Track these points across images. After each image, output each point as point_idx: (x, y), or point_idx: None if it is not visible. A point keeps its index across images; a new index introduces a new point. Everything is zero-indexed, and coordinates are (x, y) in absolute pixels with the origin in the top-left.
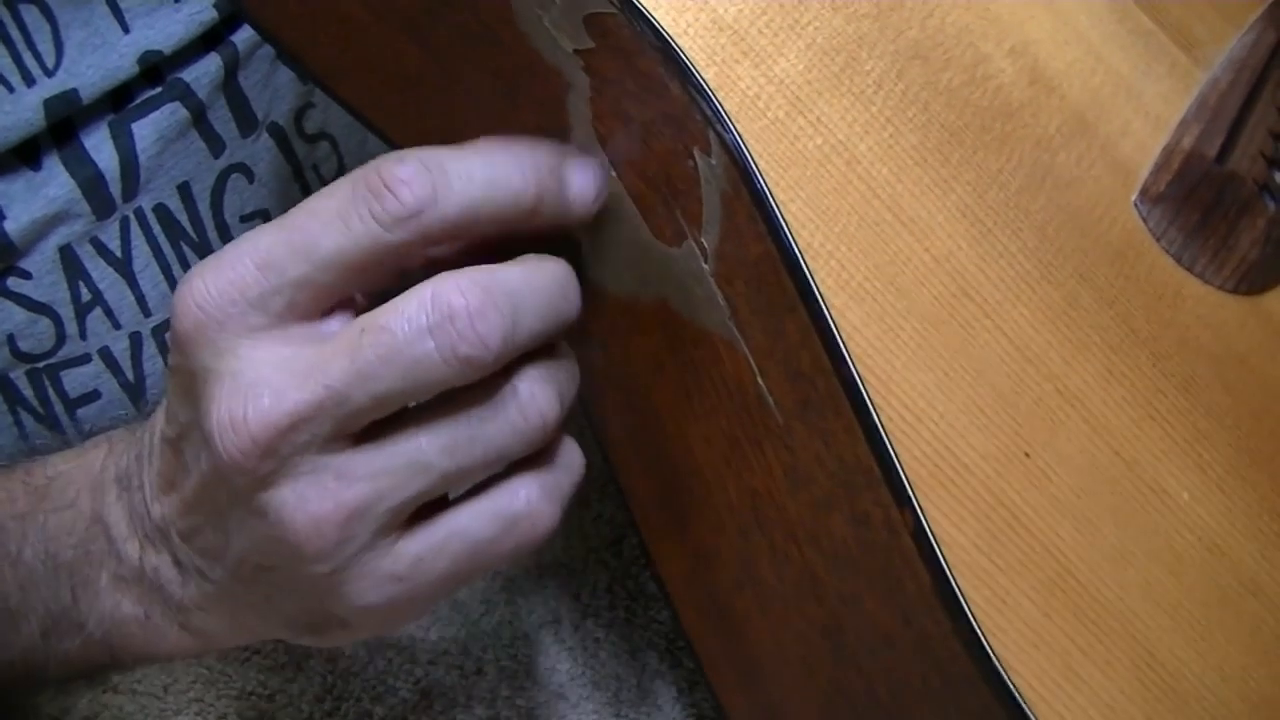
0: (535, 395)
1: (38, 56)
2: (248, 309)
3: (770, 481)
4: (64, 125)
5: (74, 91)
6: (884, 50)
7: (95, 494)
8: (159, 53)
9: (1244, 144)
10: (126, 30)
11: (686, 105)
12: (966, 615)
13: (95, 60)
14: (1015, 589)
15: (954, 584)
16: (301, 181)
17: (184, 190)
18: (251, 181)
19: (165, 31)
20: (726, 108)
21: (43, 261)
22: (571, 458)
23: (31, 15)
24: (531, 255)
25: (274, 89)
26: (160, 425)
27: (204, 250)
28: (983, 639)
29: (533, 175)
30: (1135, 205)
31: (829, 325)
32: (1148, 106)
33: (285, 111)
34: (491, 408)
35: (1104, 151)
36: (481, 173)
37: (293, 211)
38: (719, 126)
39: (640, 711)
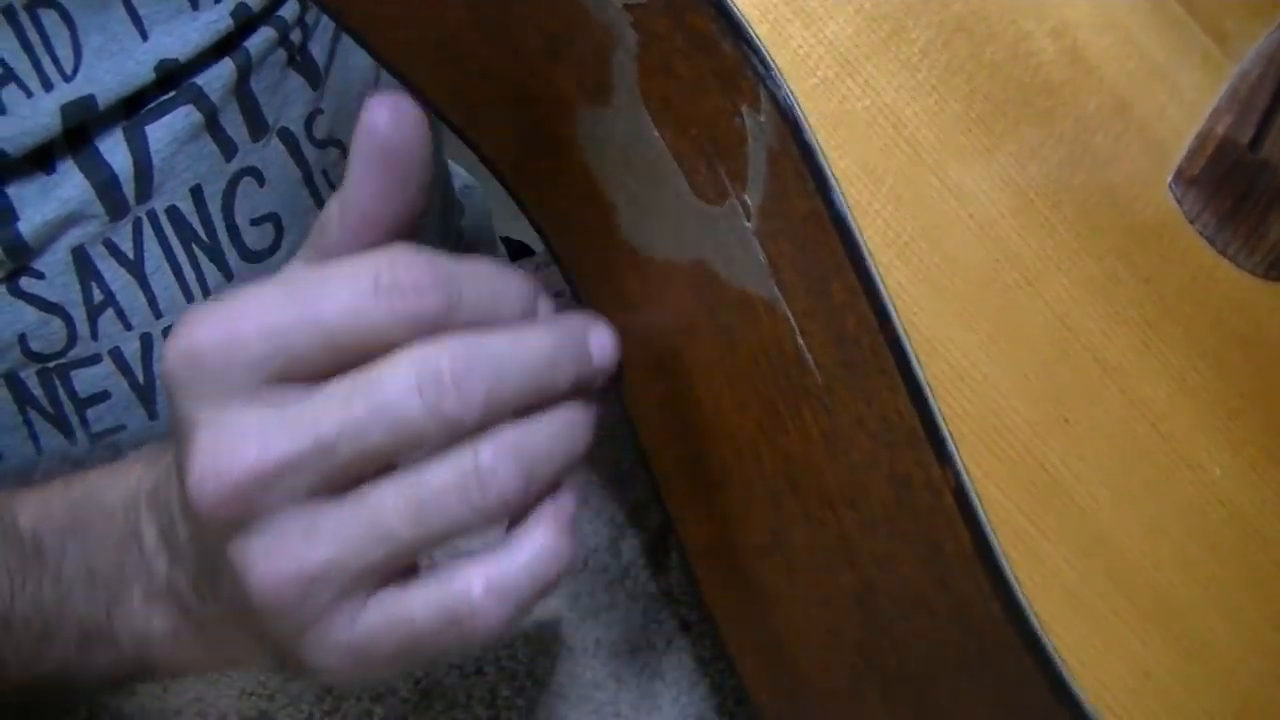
0: (496, 470)
1: (56, 61)
2: (244, 369)
3: (807, 445)
4: (79, 130)
5: (91, 98)
6: (930, 20)
7: (130, 510)
8: (175, 60)
9: (1276, 134)
10: (145, 37)
11: (738, 62)
12: (1007, 576)
13: (113, 66)
14: (1055, 553)
15: (994, 544)
16: (311, 186)
17: (196, 193)
18: (262, 185)
19: (183, 39)
20: (779, 64)
21: (55, 262)
22: (535, 558)
23: (50, 20)
24: (522, 324)
25: (284, 94)
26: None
27: (215, 253)
28: (1023, 601)
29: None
30: (1170, 187)
31: (876, 282)
32: (1182, 93)
33: (295, 117)
34: (456, 475)
35: (1141, 133)
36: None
37: (304, 278)
38: (770, 83)
39: (640, 712)
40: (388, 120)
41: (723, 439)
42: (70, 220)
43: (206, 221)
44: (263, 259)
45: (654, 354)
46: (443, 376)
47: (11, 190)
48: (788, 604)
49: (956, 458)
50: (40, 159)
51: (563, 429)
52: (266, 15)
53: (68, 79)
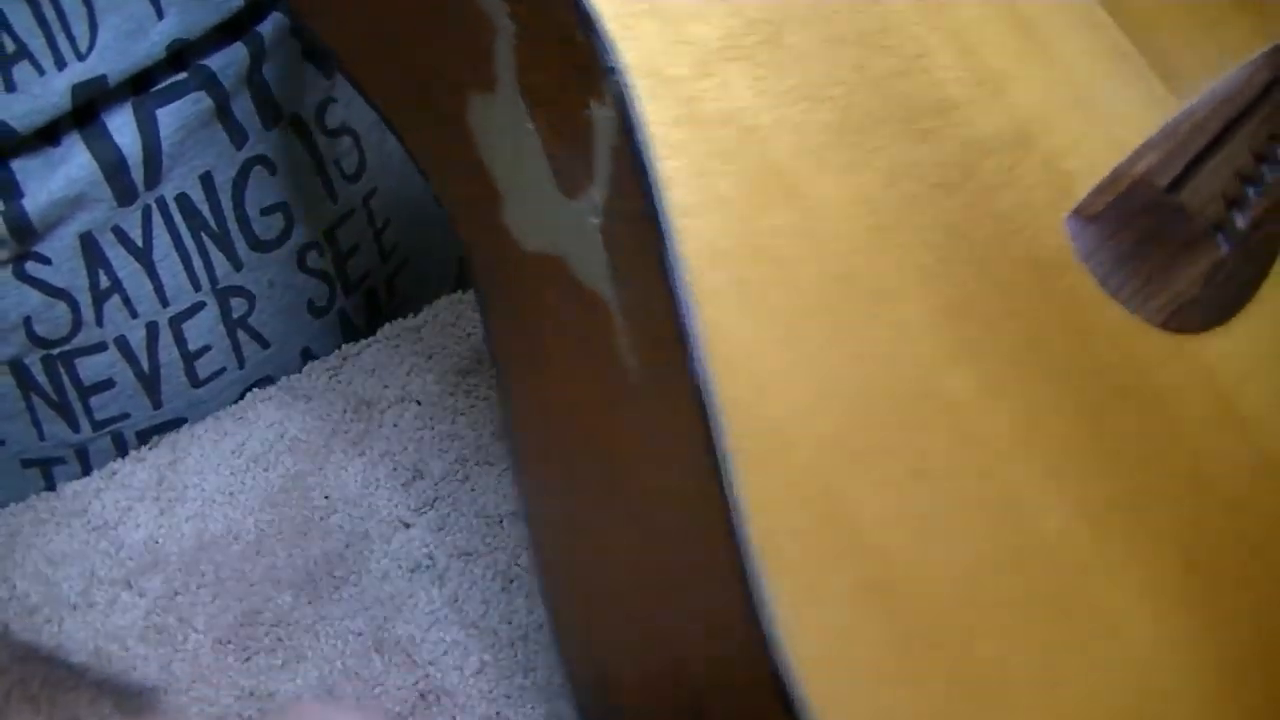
0: None
1: (71, 39)
2: None
3: (627, 445)
4: (87, 107)
5: (103, 78)
6: (818, 29)
7: None
8: (187, 40)
9: (1204, 180)
10: (161, 16)
11: (590, 54)
12: (762, 600)
13: (128, 46)
14: (824, 584)
15: (756, 567)
16: (324, 176)
17: (206, 180)
18: (273, 174)
19: (196, 17)
20: (624, 59)
21: (63, 248)
22: None
23: None
24: None
25: (297, 82)
26: None
27: (224, 241)
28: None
29: None
30: (1066, 222)
31: (678, 286)
32: (1108, 127)
33: (308, 105)
34: None
35: (1044, 163)
36: None
37: None
38: (613, 77)
39: None
40: None
41: (575, 437)
42: (77, 203)
43: (216, 209)
44: (272, 248)
45: (530, 348)
46: None
47: (16, 164)
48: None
49: (729, 473)
50: (46, 134)
51: None
52: (278, 1)
53: (81, 57)
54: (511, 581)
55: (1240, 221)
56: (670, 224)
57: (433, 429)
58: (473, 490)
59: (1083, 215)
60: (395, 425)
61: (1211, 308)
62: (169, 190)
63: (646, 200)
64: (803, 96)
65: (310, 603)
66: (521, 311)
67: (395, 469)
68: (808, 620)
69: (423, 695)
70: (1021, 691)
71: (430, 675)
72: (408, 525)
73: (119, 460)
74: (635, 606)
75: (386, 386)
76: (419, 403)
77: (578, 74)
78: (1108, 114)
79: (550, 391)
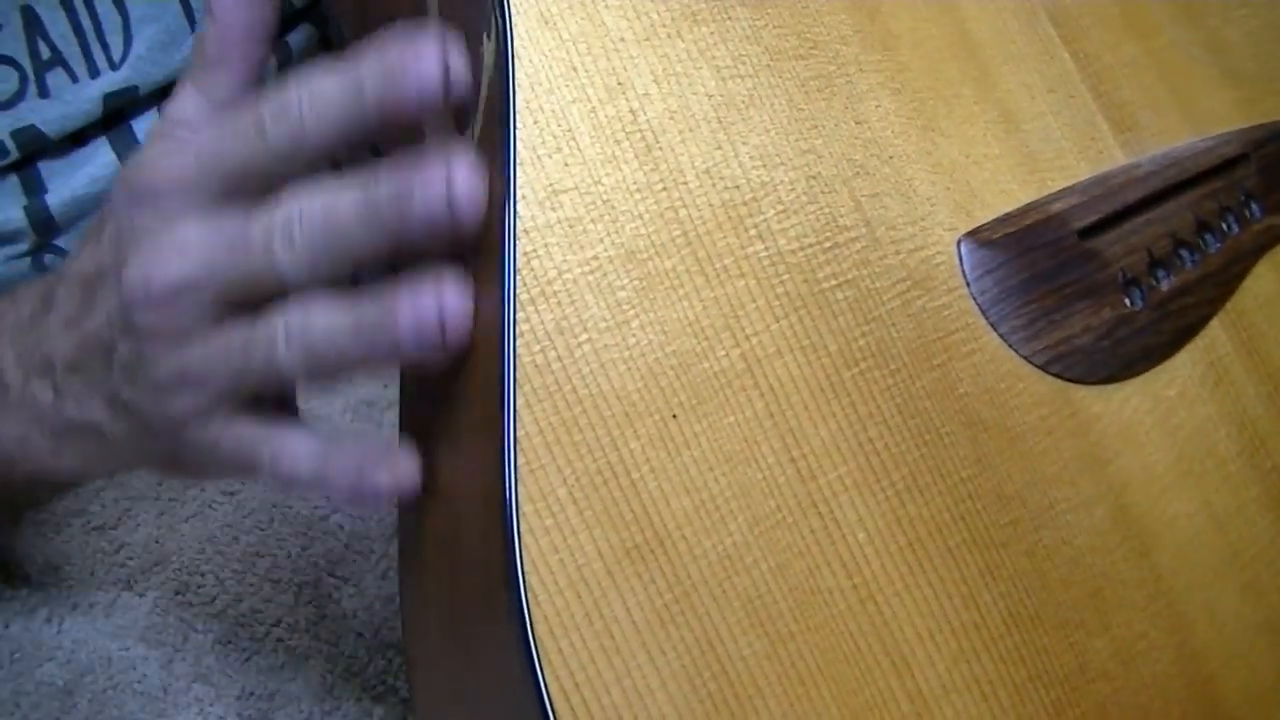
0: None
1: (106, 49)
2: (181, 194)
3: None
4: (116, 115)
5: (134, 88)
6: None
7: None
8: None
9: (1126, 232)
10: (194, 28)
11: None
12: (514, 532)
13: (161, 58)
14: (586, 533)
15: (514, 495)
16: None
17: None
18: None
19: None
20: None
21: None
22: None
23: (105, 7)
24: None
25: None
26: (77, 266)
27: None
28: (520, 562)
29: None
30: (958, 243)
31: (506, 213)
32: (1034, 162)
33: None
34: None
35: (951, 182)
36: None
37: (224, 118)
38: (497, 10)
39: None
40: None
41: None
42: (99, 200)
43: None
44: None
45: None
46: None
47: (42, 164)
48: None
49: (511, 404)
50: (76, 139)
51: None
52: (309, 13)
53: (115, 67)
54: None
55: (1165, 284)
56: (515, 155)
57: None
58: None
59: (978, 239)
60: (395, 425)
61: (1104, 361)
62: None
63: (502, 130)
64: (690, 62)
65: (310, 603)
66: None
67: None
68: (556, 565)
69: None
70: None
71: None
72: None
73: None
74: None
75: (387, 386)
76: None
77: (476, 7)
78: (1038, 147)
79: None
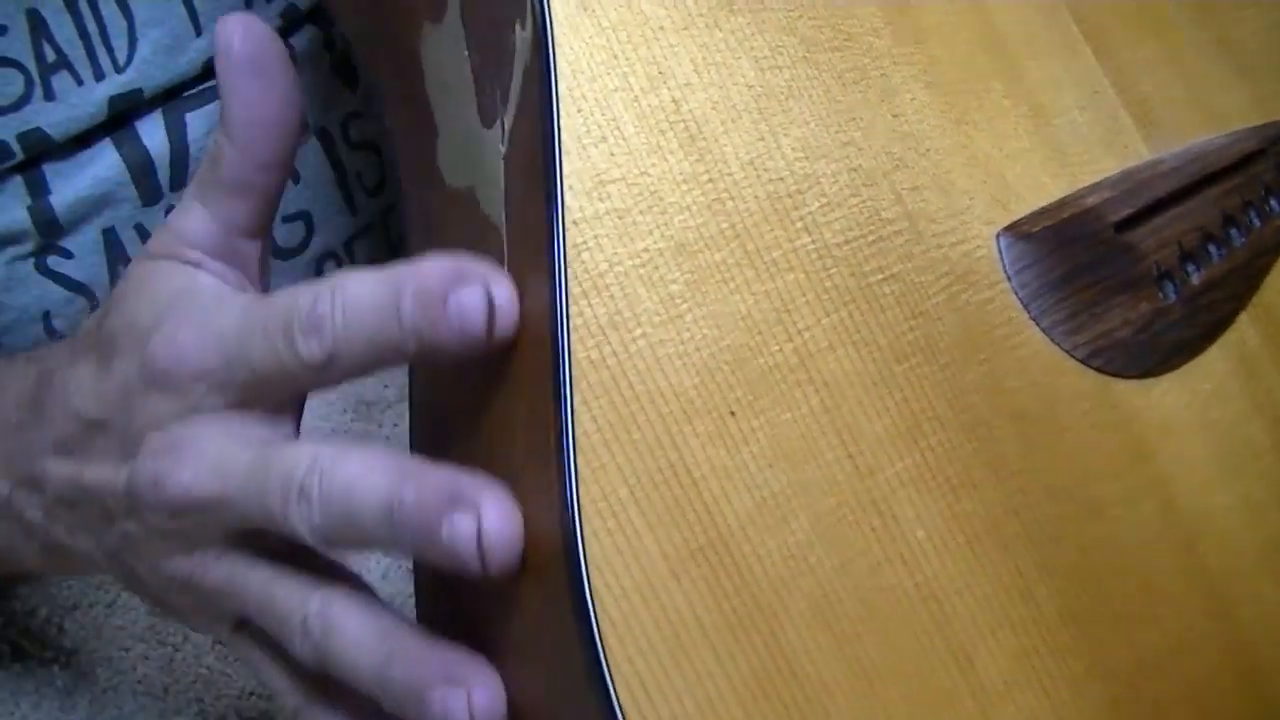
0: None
1: (111, 52)
2: (208, 391)
3: (489, 379)
4: (121, 117)
5: (139, 90)
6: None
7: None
8: None
9: (1159, 225)
10: (199, 32)
11: None
12: (577, 535)
13: (165, 62)
14: (649, 534)
15: (575, 497)
16: (344, 189)
17: None
18: (296, 183)
19: None
20: None
21: (85, 243)
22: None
23: (110, 10)
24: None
25: (325, 95)
26: (80, 400)
27: None
28: (584, 566)
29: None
30: (997, 237)
31: (557, 207)
32: (1064, 156)
33: (334, 118)
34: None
35: (986, 175)
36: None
37: (254, 312)
38: None
39: None
40: (241, 35)
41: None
42: (103, 201)
43: None
44: (290, 256)
45: None
46: (307, 487)
47: (47, 165)
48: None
49: (569, 402)
50: (80, 141)
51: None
52: (313, 15)
53: (120, 70)
54: None
55: (1195, 277)
56: (560, 145)
57: None
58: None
59: (1016, 232)
60: (396, 425)
61: (1142, 355)
62: None
63: (544, 120)
64: (730, 51)
65: None
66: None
67: None
68: (620, 569)
69: None
70: (836, 700)
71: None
72: None
73: None
74: None
75: (387, 387)
76: None
77: None
78: (1067, 140)
79: None
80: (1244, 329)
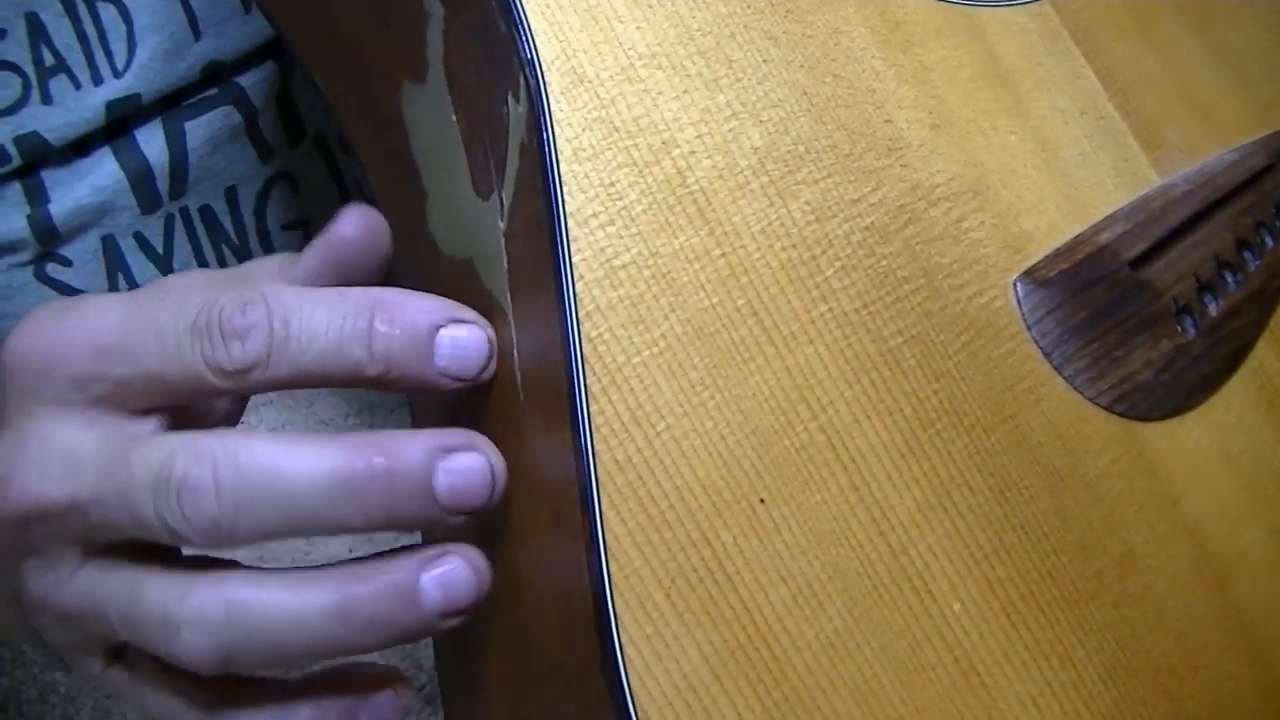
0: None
1: (110, 56)
2: (66, 383)
3: (506, 470)
4: (119, 123)
5: (137, 96)
6: (761, 47)
7: None
8: (222, 62)
9: (1174, 259)
10: (198, 37)
11: (508, 44)
12: (615, 648)
13: (164, 67)
14: (688, 637)
15: (611, 608)
16: (344, 197)
17: (230, 194)
18: (296, 191)
19: (232, 42)
20: (541, 53)
21: (84, 250)
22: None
23: (109, 15)
24: (305, 446)
25: (324, 102)
26: None
27: (244, 254)
28: (624, 676)
29: (382, 346)
30: (1014, 285)
31: (566, 296)
32: (1075, 190)
33: (333, 126)
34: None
35: (997, 219)
36: (323, 339)
37: (143, 304)
38: (528, 69)
39: None
40: (355, 230)
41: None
42: (102, 209)
43: (238, 223)
44: None
45: None
46: (181, 491)
47: (45, 173)
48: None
49: (596, 504)
50: (78, 147)
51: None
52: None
53: (118, 75)
54: None
55: (1213, 308)
56: (566, 231)
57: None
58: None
59: (1034, 279)
60: (397, 428)
61: (1165, 395)
62: (193, 201)
63: (546, 202)
64: (734, 115)
65: None
66: None
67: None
68: (661, 675)
69: (429, 700)
70: None
71: (434, 678)
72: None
73: None
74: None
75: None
76: None
77: (497, 66)
78: (1075, 177)
79: (456, 407)
80: (1262, 354)
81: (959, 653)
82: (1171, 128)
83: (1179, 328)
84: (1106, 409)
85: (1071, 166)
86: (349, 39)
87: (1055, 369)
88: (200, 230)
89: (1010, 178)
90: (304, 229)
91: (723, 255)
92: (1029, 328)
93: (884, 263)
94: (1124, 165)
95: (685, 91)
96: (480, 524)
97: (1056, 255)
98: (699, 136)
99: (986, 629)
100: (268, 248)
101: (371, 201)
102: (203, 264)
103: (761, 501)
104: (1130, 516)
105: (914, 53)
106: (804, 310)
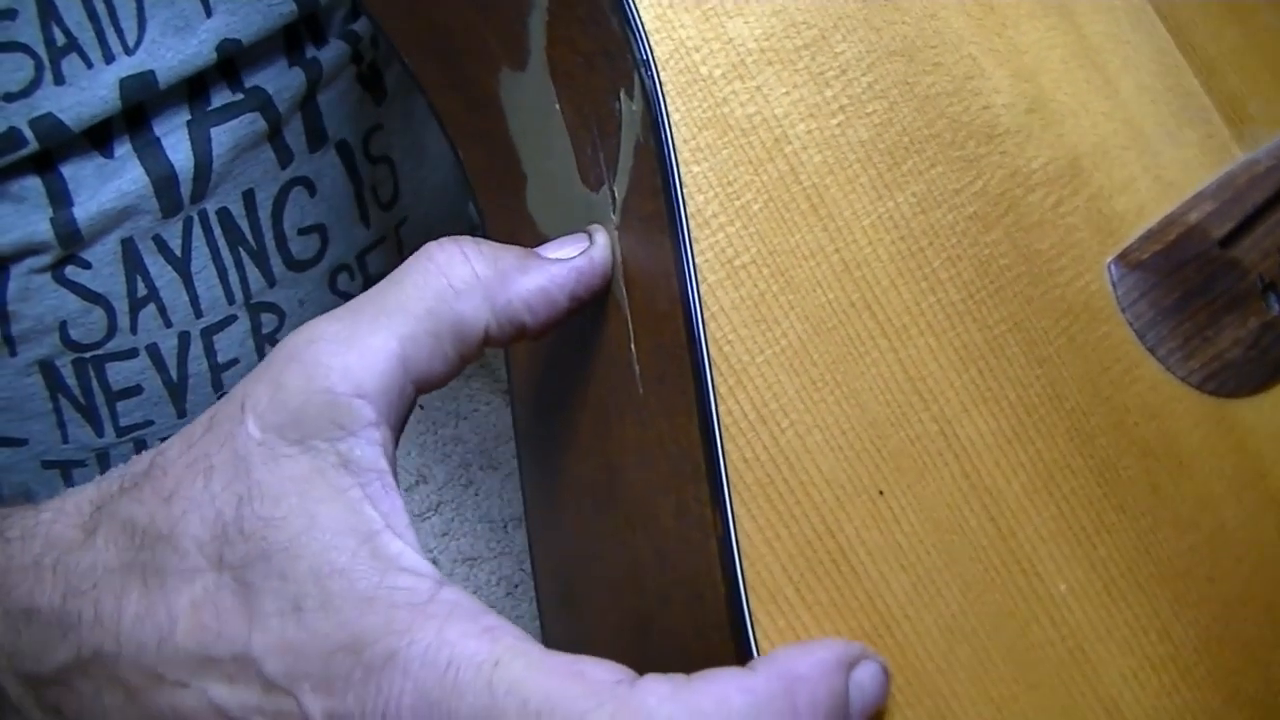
0: None
1: (120, 33)
2: None
3: (624, 456)
4: (137, 111)
5: (151, 74)
6: (864, 37)
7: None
8: (237, 42)
9: (1259, 236)
10: (209, 14)
11: (621, 42)
12: (750, 641)
13: (175, 43)
14: (818, 629)
15: (745, 604)
16: (360, 202)
17: (248, 197)
18: (313, 195)
19: (245, 19)
20: (656, 52)
21: (104, 253)
22: None
23: None
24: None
25: (348, 108)
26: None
27: (260, 257)
28: (755, 652)
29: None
30: (1109, 267)
31: (690, 297)
32: (1162, 170)
33: (355, 131)
34: None
35: (1090, 202)
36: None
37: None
38: (643, 70)
39: None
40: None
41: (568, 433)
42: (125, 214)
43: (255, 226)
44: (306, 268)
45: (542, 345)
46: None
47: (68, 171)
48: (592, 619)
49: (728, 503)
50: (97, 138)
51: None
52: (330, 14)
53: (130, 51)
54: (516, 586)
55: None
56: (688, 232)
57: (435, 434)
58: (476, 495)
59: (1127, 262)
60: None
61: (1253, 372)
62: (211, 204)
63: (667, 204)
64: (840, 109)
65: None
66: None
67: (398, 474)
68: None
69: None
70: None
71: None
72: None
73: None
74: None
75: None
76: (422, 407)
77: (607, 61)
78: (1163, 155)
79: (554, 393)
80: None
81: (1065, 631)
82: (1254, 101)
83: (1265, 304)
84: (1197, 388)
85: (1159, 145)
86: (445, 25)
87: (1149, 350)
88: (217, 233)
89: (1103, 159)
90: (319, 233)
91: (836, 250)
92: (1123, 310)
93: (986, 251)
94: (1209, 142)
95: (796, 85)
96: (599, 503)
97: (1148, 237)
98: (809, 132)
99: (1090, 607)
100: (284, 251)
101: (391, 205)
102: (220, 267)
103: (881, 493)
104: (1221, 491)
105: (1008, 35)
106: (914, 302)
